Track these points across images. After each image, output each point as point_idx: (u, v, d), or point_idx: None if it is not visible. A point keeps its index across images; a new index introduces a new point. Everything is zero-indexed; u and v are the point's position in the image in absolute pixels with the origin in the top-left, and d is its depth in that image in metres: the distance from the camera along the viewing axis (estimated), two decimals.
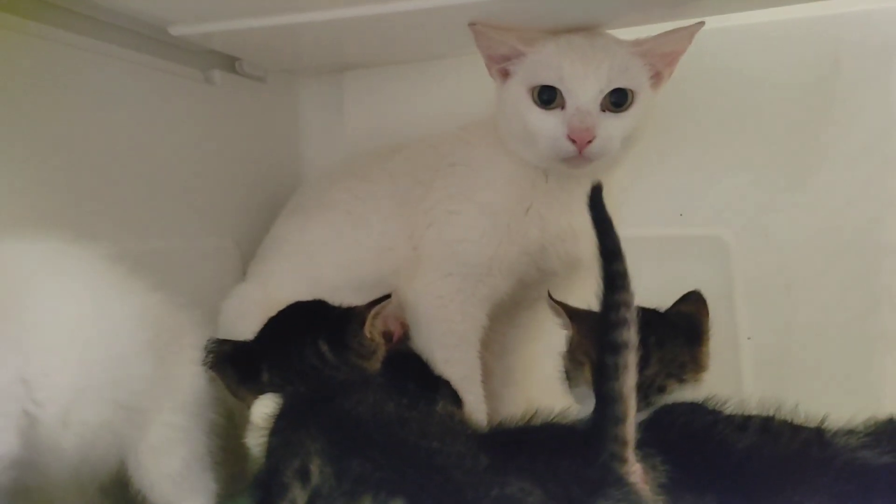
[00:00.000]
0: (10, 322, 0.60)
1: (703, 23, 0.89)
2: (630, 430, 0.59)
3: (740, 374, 1.05)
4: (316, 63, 1.30)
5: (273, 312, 0.84)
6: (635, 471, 0.60)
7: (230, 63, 1.19)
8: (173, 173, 1.05)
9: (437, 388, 0.88)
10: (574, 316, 0.84)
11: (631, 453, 0.59)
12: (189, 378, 0.77)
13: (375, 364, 0.81)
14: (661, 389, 0.78)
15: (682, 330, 0.82)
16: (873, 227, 1.03)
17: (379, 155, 1.10)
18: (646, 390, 0.76)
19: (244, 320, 0.93)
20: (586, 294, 1.09)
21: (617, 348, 0.59)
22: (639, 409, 0.64)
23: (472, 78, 1.11)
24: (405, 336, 1.00)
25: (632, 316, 0.60)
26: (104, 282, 0.71)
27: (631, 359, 0.59)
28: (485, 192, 0.96)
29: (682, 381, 0.79)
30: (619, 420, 0.59)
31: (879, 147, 1.03)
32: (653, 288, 1.12)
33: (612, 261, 0.61)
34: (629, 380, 0.59)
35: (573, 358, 0.84)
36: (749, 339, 1.07)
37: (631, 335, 0.59)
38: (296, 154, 1.37)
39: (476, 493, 0.56)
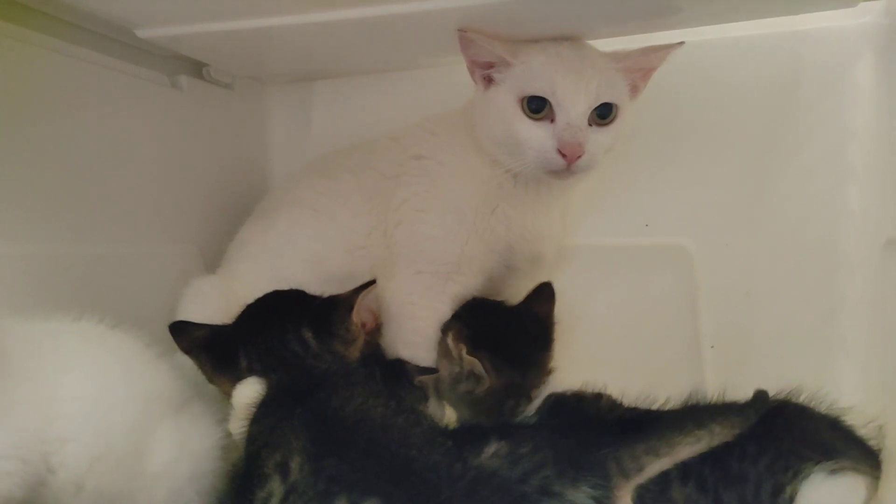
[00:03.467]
0: (33, 389, 0.62)
1: (682, 42, 0.91)
2: (651, 464, 0.67)
3: (703, 380, 1.06)
4: (285, 71, 1.30)
5: (238, 310, 0.83)
6: (623, 499, 0.64)
7: (197, 69, 1.18)
8: (137, 177, 1.04)
9: (401, 368, 0.90)
10: (499, 370, 0.88)
11: (632, 483, 0.66)
12: (197, 442, 0.75)
13: (355, 352, 0.82)
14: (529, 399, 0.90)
15: (535, 333, 0.95)
16: (829, 238, 1.06)
17: (339, 152, 1.10)
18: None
19: (204, 308, 0.92)
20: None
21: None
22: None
23: (441, 89, 1.13)
24: (377, 328, 0.99)
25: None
26: (128, 358, 0.73)
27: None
28: (452, 189, 0.96)
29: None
30: (658, 453, 0.66)
31: (835, 160, 1.06)
32: (619, 294, 1.16)
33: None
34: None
35: (480, 406, 0.89)
36: (713, 347, 1.09)
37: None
38: (262, 163, 1.36)
39: (450, 492, 0.58)
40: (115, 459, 0.65)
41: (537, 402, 0.90)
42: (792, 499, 0.72)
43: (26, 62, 0.87)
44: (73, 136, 0.93)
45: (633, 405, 0.86)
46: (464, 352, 0.87)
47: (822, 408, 0.81)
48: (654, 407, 0.83)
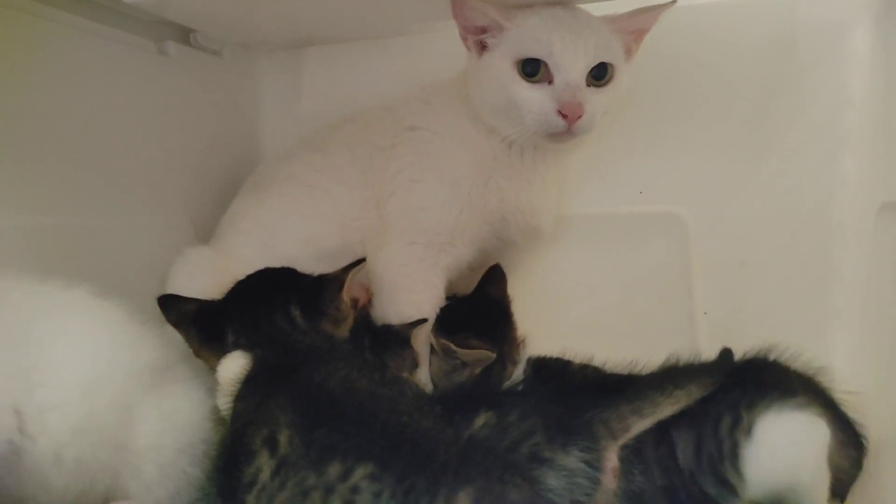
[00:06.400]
0: (16, 354, 0.62)
1: (674, 1, 0.90)
2: (636, 423, 0.69)
3: (697, 348, 1.06)
4: (274, 37, 1.27)
5: (228, 284, 0.83)
6: (611, 460, 0.66)
7: (185, 35, 1.16)
8: (124, 147, 1.02)
9: (389, 333, 0.91)
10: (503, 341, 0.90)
11: (619, 443, 0.68)
12: (183, 412, 0.75)
13: (344, 331, 0.82)
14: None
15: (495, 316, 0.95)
16: (825, 206, 1.05)
17: (333, 126, 1.09)
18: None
19: (196, 280, 0.92)
20: (544, 262, 1.12)
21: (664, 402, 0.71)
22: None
23: (433, 55, 1.11)
24: (369, 303, 0.99)
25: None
26: (114, 328, 0.72)
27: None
28: (446, 160, 0.96)
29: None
30: (643, 413, 0.68)
31: (831, 127, 1.04)
32: (613, 263, 1.16)
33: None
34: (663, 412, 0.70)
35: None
36: (705, 314, 1.09)
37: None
38: (253, 131, 1.34)
39: (444, 457, 0.59)
40: (97, 431, 0.65)
41: (521, 367, 0.91)
42: (750, 428, 0.70)
43: (6, 28, 0.85)
44: (56, 105, 0.91)
45: (616, 371, 0.86)
46: (452, 346, 0.87)
47: (797, 365, 0.80)
48: (636, 371, 0.84)
